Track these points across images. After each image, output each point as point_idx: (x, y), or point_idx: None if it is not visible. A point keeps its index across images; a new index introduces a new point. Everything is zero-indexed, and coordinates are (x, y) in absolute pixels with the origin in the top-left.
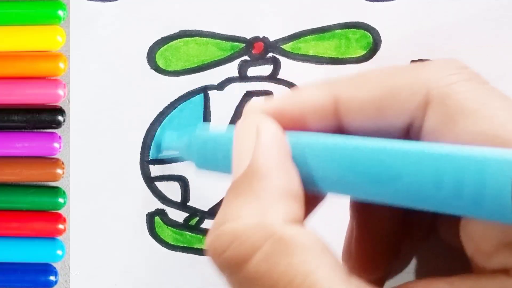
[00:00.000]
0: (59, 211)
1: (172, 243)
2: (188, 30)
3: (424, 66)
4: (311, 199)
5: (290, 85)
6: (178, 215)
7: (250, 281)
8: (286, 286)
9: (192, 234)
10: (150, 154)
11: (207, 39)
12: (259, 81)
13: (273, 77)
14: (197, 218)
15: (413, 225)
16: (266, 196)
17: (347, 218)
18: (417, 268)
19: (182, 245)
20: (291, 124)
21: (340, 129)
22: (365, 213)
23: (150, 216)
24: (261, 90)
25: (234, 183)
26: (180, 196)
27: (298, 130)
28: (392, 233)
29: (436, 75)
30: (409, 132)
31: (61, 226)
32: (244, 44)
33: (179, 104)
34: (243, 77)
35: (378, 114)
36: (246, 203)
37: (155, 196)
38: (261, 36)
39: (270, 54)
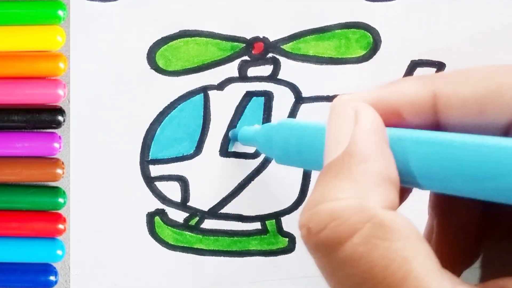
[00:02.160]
0: (59, 211)
1: (172, 243)
2: (188, 30)
3: None
4: (400, 193)
5: (290, 85)
6: (178, 215)
7: (345, 263)
8: (382, 270)
9: (192, 234)
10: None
11: (207, 39)
12: (259, 81)
13: (273, 77)
14: (197, 218)
15: (494, 225)
16: (365, 179)
17: (423, 217)
18: (487, 266)
19: (182, 245)
20: (386, 116)
21: (436, 125)
22: (447, 212)
23: (150, 216)
24: (261, 90)
25: (330, 164)
26: (180, 196)
27: (392, 122)
28: (473, 233)
29: None
30: (509, 131)
31: (61, 226)
32: (244, 44)
33: (179, 104)
34: (243, 77)
35: (480, 112)
36: (345, 185)
37: (155, 196)
38: (261, 36)
39: (270, 54)
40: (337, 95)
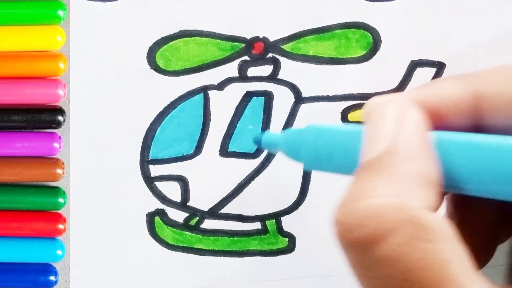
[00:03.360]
0: (59, 211)
1: (172, 243)
2: (188, 30)
3: None
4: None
5: (290, 85)
6: (178, 215)
7: (381, 262)
8: (419, 272)
9: (192, 234)
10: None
11: (207, 39)
12: (259, 81)
13: (273, 77)
14: (197, 218)
15: (509, 227)
16: (407, 179)
17: None
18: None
19: (182, 245)
20: (426, 118)
21: (478, 126)
22: (464, 213)
23: (150, 216)
24: (261, 90)
25: (370, 161)
26: (180, 196)
27: (432, 124)
28: (488, 235)
29: None
30: None
31: (61, 226)
32: (244, 44)
33: (179, 104)
34: (243, 77)
35: None
36: (385, 183)
37: (155, 196)
38: (261, 36)
39: (270, 54)
40: (337, 95)
